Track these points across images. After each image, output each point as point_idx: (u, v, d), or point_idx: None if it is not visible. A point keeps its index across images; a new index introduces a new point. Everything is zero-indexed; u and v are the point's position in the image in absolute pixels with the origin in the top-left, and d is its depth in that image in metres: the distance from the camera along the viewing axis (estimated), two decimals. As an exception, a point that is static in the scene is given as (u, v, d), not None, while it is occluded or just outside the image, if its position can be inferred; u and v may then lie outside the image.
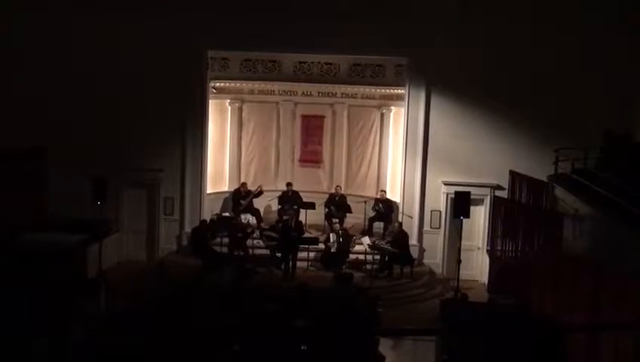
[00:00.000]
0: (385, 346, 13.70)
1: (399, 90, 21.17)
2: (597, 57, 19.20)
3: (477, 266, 20.27)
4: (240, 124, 22.59)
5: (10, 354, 10.85)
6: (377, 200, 21.13)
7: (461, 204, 18.24)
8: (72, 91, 20.10)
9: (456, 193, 18.67)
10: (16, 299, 12.39)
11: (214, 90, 21.66)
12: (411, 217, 20.37)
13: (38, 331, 11.49)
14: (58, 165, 20.00)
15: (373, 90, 22.04)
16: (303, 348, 12.03)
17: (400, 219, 20.24)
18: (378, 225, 21.00)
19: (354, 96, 22.38)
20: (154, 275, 17.70)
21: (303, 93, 22.55)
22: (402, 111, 20.85)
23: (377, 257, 19.48)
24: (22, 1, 20.05)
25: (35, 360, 11.12)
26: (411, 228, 20.26)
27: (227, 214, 20.90)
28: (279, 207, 21.19)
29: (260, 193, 21.29)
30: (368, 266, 19.46)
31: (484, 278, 19.85)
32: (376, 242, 19.71)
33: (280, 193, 21.53)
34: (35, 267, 14.62)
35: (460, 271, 18.52)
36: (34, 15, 19.92)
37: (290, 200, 21.11)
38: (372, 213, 21.02)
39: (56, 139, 19.90)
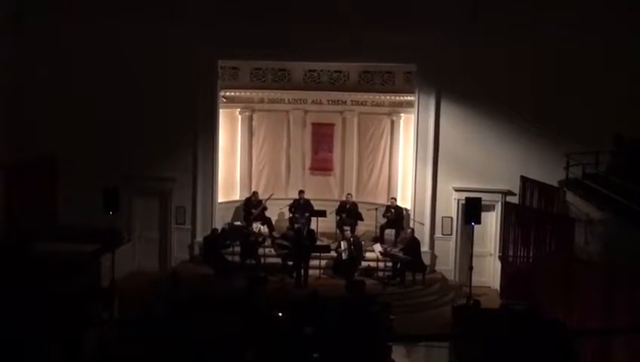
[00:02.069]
0: (397, 353, 13.72)
1: (409, 97, 21.20)
2: (608, 61, 19.17)
3: (489, 272, 20.23)
4: (250, 133, 22.66)
5: (25, 361, 10.92)
6: (388, 208, 21.12)
7: (472, 210, 18.19)
8: (82, 101, 20.22)
9: (467, 199, 18.63)
10: (31, 307, 12.47)
11: (224, 100, 21.75)
12: (423, 224, 20.35)
13: (52, 339, 11.55)
14: (69, 175, 20.17)
15: (382, 97, 22.08)
16: (315, 356, 12.04)
17: (411, 226, 20.22)
18: (389, 233, 21.00)
19: (364, 103, 22.42)
20: (166, 284, 17.72)
21: (313, 101, 22.62)
22: (412, 118, 20.84)
23: (389, 264, 19.48)
24: (40, 8, 20.20)
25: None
26: (423, 235, 20.23)
27: (239, 223, 20.94)
28: (291, 215, 21.22)
29: (264, 208, 21.26)
30: (380, 273, 19.46)
31: (497, 284, 19.81)
32: (388, 249, 19.70)
33: (291, 201, 21.57)
34: (50, 276, 14.71)
35: (472, 278, 18.45)
36: (46, 22, 20.07)
37: (302, 208, 21.13)
38: (383, 221, 21.02)
39: (67, 148, 20.06)
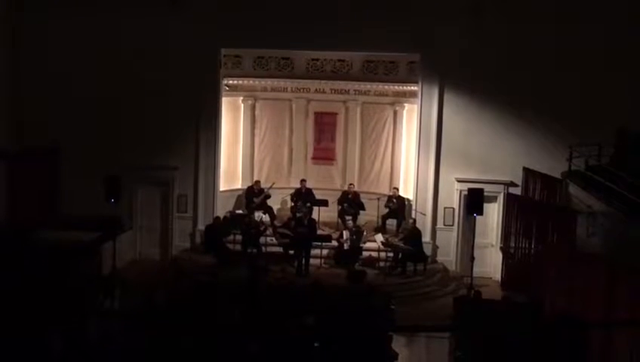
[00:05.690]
0: (398, 343, 13.72)
1: (412, 87, 21.14)
2: (611, 55, 19.13)
3: (490, 263, 20.21)
4: (253, 122, 22.63)
5: (27, 351, 10.94)
6: (390, 198, 21.11)
7: (474, 201, 18.19)
8: (84, 90, 20.21)
9: (470, 190, 18.60)
10: (32, 296, 12.49)
11: (227, 88, 21.70)
12: (424, 214, 20.33)
13: (53, 328, 11.56)
14: (71, 164, 20.16)
15: (386, 87, 22.01)
16: (315, 345, 12.06)
17: (413, 216, 20.21)
18: (391, 223, 20.99)
19: (367, 93, 22.37)
20: (168, 273, 17.79)
21: (316, 90, 22.57)
22: (415, 108, 20.79)
23: (391, 254, 19.48)
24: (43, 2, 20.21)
25: (51, 356, 11.20)
26: (424, 226, 20.21)
27: (240, 212, 20.94)
28: (292, 204, 21.22)
29: (268, 196, 21.28)
30: (382, 263, 19.46)
31: (498, 275, 19.82)
32: (390, 239, 19.70)
33: (293, 190, 21.56)
34: (51, 265, 14.73)
35: (474, 269, 18.46)
36: (49, 13, 20.06)
37: (304, 197, 21.12)
38: (385, 211, 21.01)
39: (69, 137, 20.04)
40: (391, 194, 21.27)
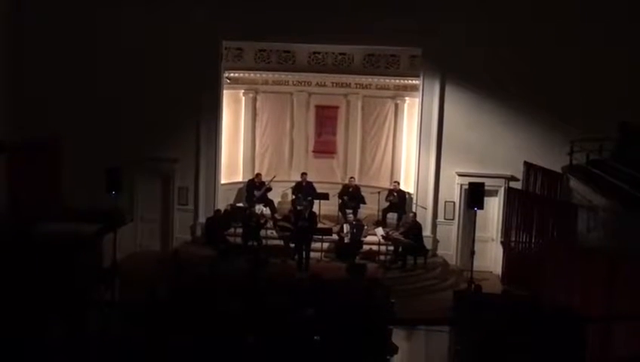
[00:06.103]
0: (398, 336, 13.75)
1: (414, 81, 21.12)
2: (614, 49, 19.09)
3: (491, 257, 20.22)
4: (254, 115, 22.62)
5: (27, 343, 10.95)
6: (391, 191, 21.10)
7: (475, 195, 18.19)
8: (85, 83, 20.20)
9: (471, 184, 18.61)
10: (33, 288, 12.50)
11: (228, 81, 21.68)
12: (425, 208, 20.33)
13: (53, 320, 11.58)
14: (73, 156, 20.15)
15: (387, 80, 22.00)
16: (315, 338, 12.07)
17: (414, 210, 20.21)
18: (392, 216, 20.99)
19: (368, 86, 22.35)
20: (168, 265, 17.75)
21: (317, 83, 22.55)
22: (417, 101, 20.78)
23: (391, 248, 19.49)
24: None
25: (51, 349, 11.23)
26: (425, 219, 20.21)
27: (241, 204, 20.95)
28: (293, 197, 21.22)
29: (269, 189, 21.29)
30: (382, 257, 19.46)
31: (498, 269, 19.82)
32: (390, 233, 19.70)
33: (294, 183, 21.56)
34: (52, 257, 14.73)
35: (474, 263, 18.47)
36: (53, 6, 20.03)
37: (305, 190, 21.12)
38: (386, 204, 21.01)
39: (71, 130, 20.03)
40: (391, 187, 21.27)
